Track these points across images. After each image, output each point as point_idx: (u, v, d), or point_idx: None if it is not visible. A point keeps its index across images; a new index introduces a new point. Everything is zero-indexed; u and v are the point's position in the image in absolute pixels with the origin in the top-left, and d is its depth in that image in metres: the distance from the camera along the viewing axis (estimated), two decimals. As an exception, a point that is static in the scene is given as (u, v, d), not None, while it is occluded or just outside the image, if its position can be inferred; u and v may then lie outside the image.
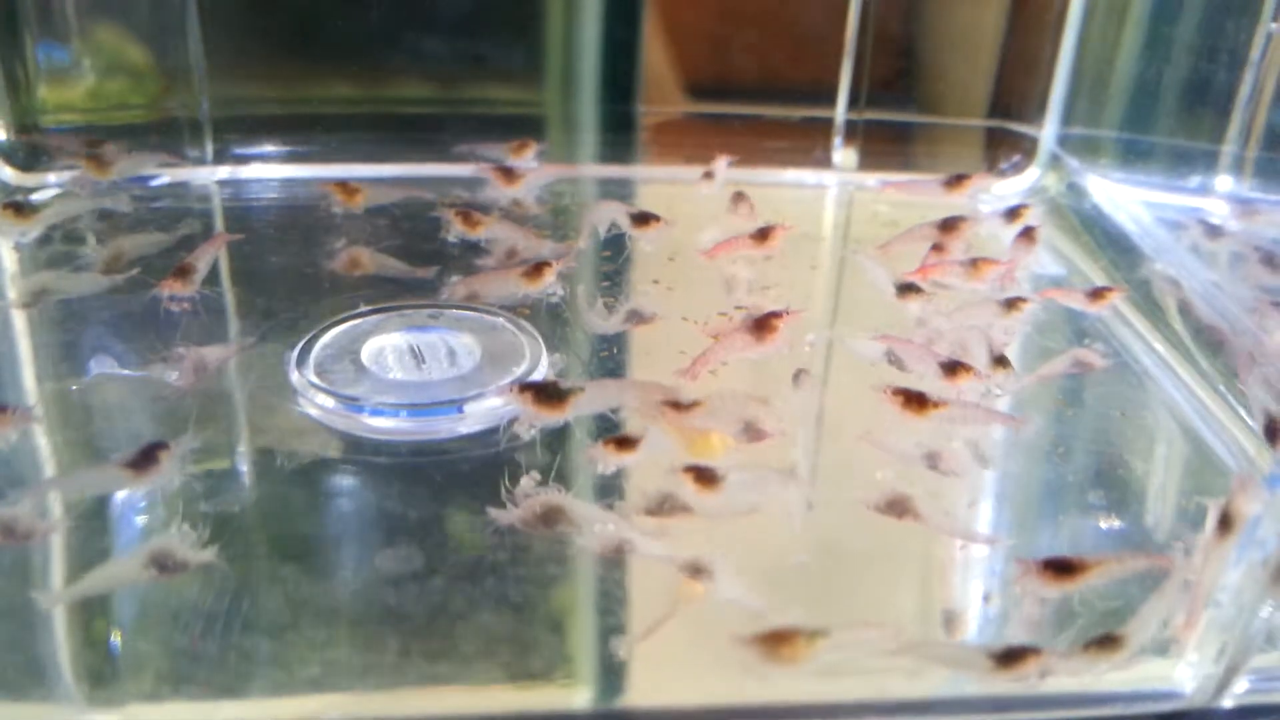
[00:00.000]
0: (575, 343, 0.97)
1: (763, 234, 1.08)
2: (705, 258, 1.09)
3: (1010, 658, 0.64)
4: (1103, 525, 0.81)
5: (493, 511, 0.76)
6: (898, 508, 0.79)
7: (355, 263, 1.07)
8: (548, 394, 0.84)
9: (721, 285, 1.07)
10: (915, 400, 0.85)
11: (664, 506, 0.78)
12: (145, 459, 0.77)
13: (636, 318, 1.00)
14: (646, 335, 0.99)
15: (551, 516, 0.77)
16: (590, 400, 0.85)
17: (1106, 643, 0.65)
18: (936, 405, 0.85)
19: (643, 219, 1.09)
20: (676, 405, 0.83)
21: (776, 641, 0.63)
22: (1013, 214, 1.16)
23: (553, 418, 0.84)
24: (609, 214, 1.11)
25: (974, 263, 1.05)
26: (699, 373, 0.91)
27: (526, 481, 0.79)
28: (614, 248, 1.11)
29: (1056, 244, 1.19)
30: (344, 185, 1.17)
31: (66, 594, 0.71)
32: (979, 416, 0.86)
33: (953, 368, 0.88)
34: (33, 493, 0.76)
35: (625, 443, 0.80)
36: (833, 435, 0.88)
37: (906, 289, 1.01)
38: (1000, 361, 0.91)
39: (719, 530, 0.79)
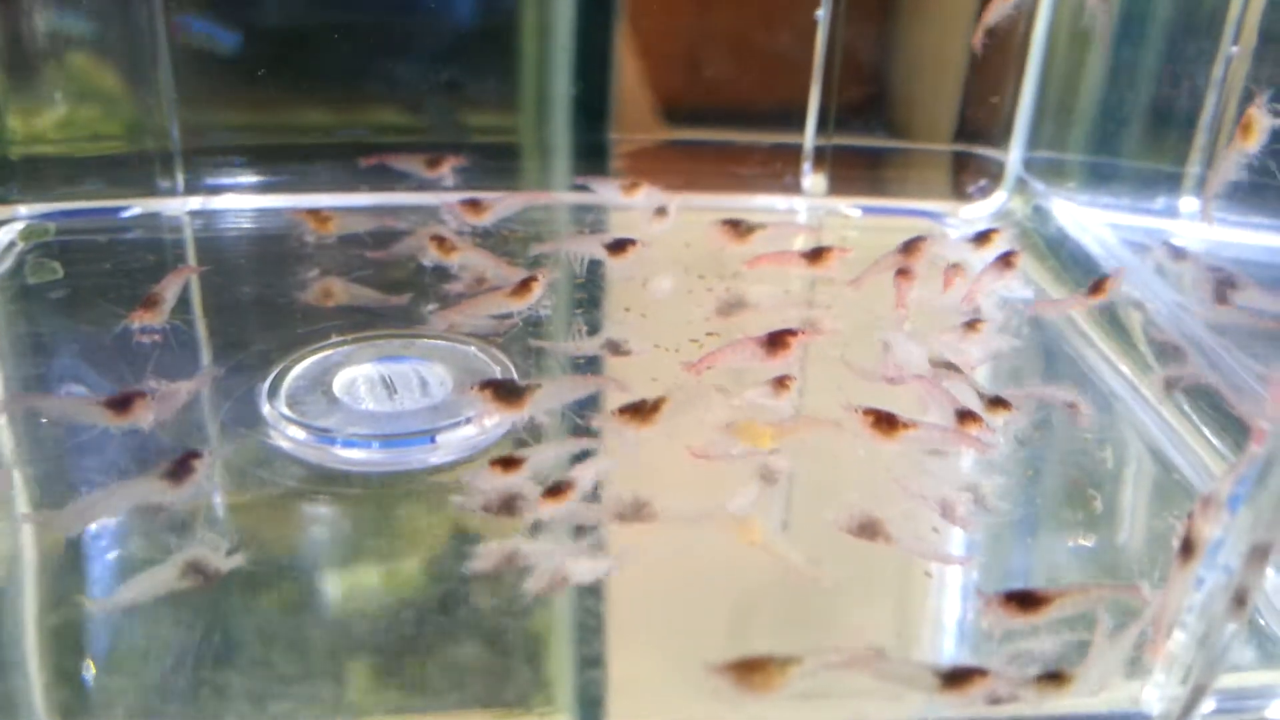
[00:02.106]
0: (548, 370, 0.98)
1: (816, 254, 1.11)
2: (747, 267, 1.12)
3: (957, 678, 0.65)
4: (1070, 546, 0.82)
5: (457, 499, 0.79)
6: (869, 531, 0.79)
7: (328, 293, 1.07)
8: (507, 391, 0.86)
9: (694, 311, 1.07)
10: (885, 421, 0.86)
11: (638, 513, 0.79)
12: (181, 469, 0.79)
13: (612, 348, 1.01)
14: (619, 361, 0.99)
15: (512, 503, 0.79)
16: (548, 396, 0.88)
17: (1055, 679, 0.65)
18: (905, 427, 0.85)
19: (618, 246, 1.10)
20: (637, 411, 0.86)
21: (749, 669, 0.63)
22: (982, 238, 1.17)
23: (513, 414, 0.86)
24: (583, 248, 1.12)
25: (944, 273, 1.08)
26: (703, 369, 0.94)
27: (483, 473, 0.81)
28: (587, 275, 1.12)
29: (1023, 267, 1.20)
30: (316, 213, 1.17)
31: (109, 602, 0.72)
32: (945, 439, 0.86)
33: (964, 416, 0.88)
34: (71, 511, 0.77)
35: (510, 463, 0.81)
36: (810, 455, 0.89)
37: (946, 366, 0.96)
38: (997, 403, 0.91)
39: (694, 545, 0.80)
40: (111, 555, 0.76)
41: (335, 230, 1.16)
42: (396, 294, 1.06)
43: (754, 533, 0.80)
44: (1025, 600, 0.69)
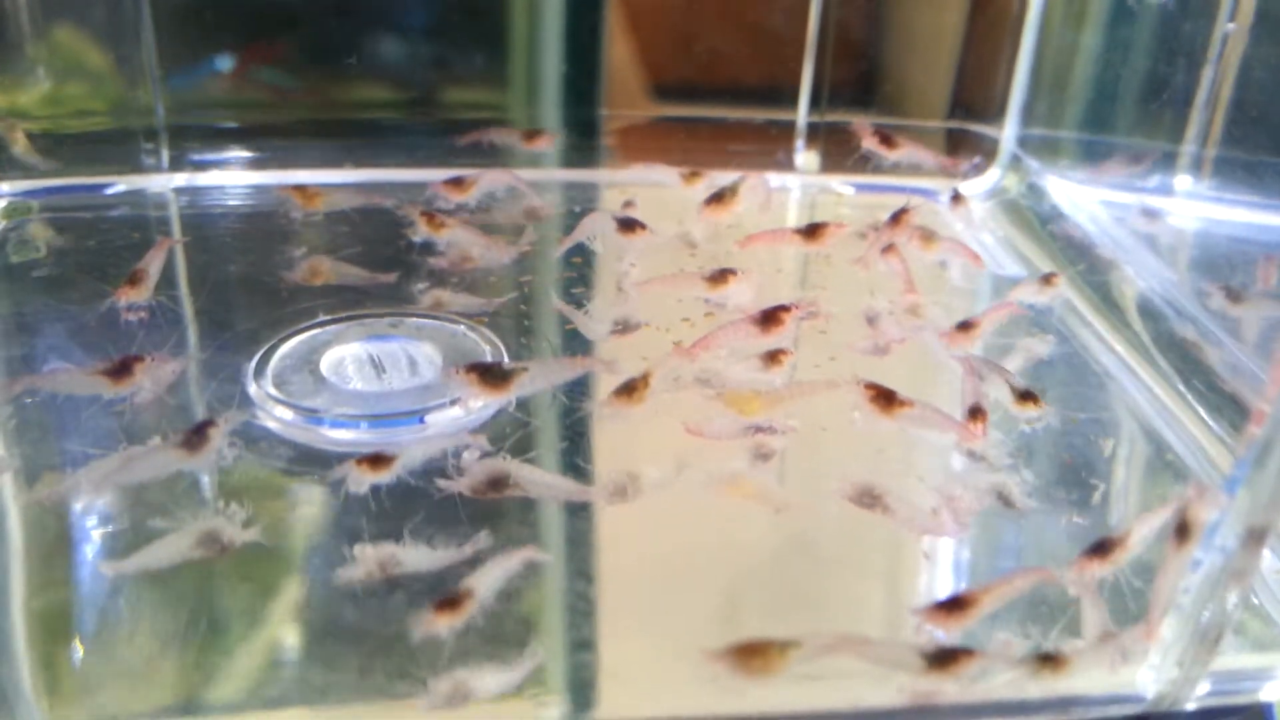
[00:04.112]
0: (537, 349, 0.97)
1: (811, 231, 1.09)
2: (739, 246, 1.10)
3: (943, 659, 0.64)
4: (1063, 525, 0.81)
5: (441, 481, 0.78)
6: (867, 499, 0.80)
7: (315, 272, 1.06)
8: (492, 375, 0.85)
9: (686, 289, 1.06)
10: (884, 397, 0.86)
11: (628, 491, 0.79)
12: (197, 438, 0.79)
13: (622, 327, 1.00)
14: (609, 341, 0.98)
15: (498, 481, 0.78)
16: (534, 379, 0.87)
17: (1049, 660, 0.65)
18: (903, 405, 0.85)
19: (628, 226, 1.08)
20: (628, 390, 0.86)
21: (749, 653, 0.63)
22: (955, 199, 1.22)
23: (498, 398, 0.86)
24: (599, 225, 1.10)
25: (925, 237, 1.09)
26: (697, 354, 0.92)
27: (469, 453, 0.81)
28: (580, 254, 1.11)
29: (1017, 244, 1.20)
30: (302, 189, 1.16)
31: (124, 565, 0.72)
32: (937, 421, 0.86)
33: (975, 412, 0.87)
34: (82, 481, 0.77)
35: (379, 461, 0.79)
36: (805, 434, 0.88)
37: (1025, 397, 0.91)
38: (1026, 396, 0.90)
39: (690, 526, 0.80)
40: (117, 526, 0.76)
41: (322, 206, 1.15)
42: (384, 272, 1.05)
43: (745, 487, 0.81)
44: (955, 605, 0.69)
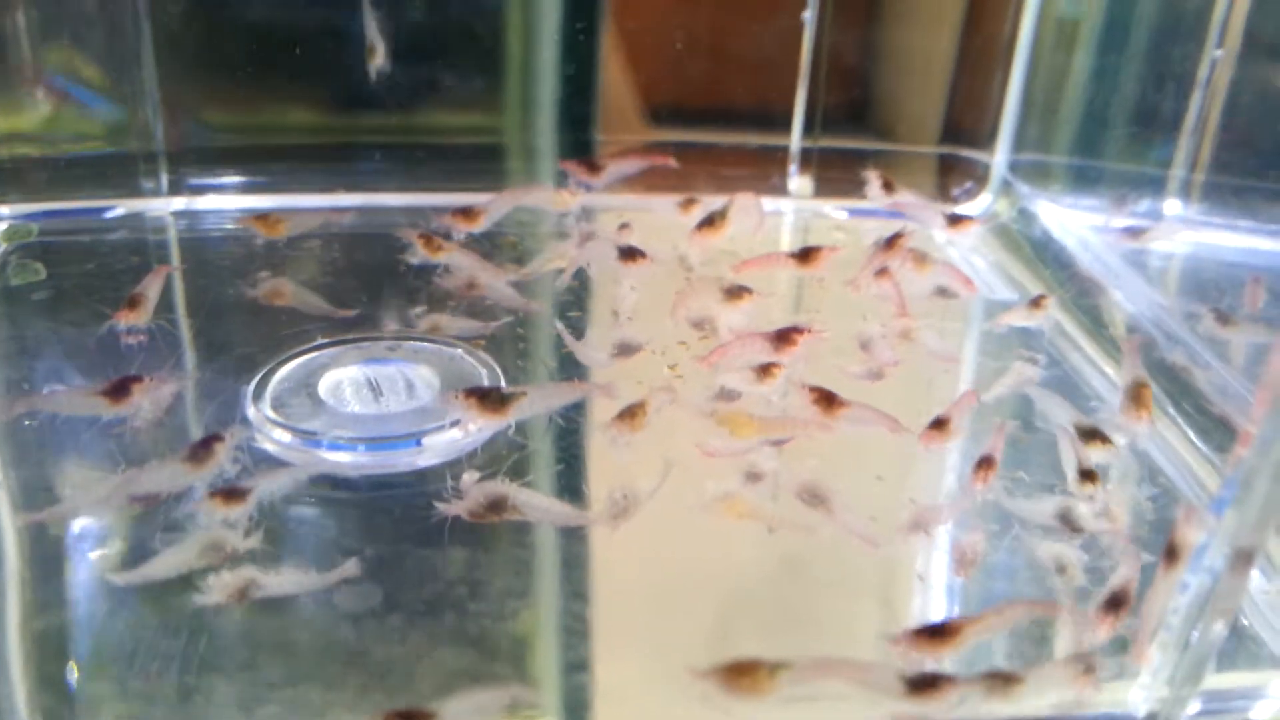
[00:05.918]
0: (535, 373, 0.97)
1: (805, 255, 1.10)
2: (734, 271, 1.11)
3: (923, 685, 0.64)
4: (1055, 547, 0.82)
5: (439, 505, 0.78)
6: (812, 498, 0.82)
7: (278, 293, 1.06)
8: (491, 399, 0.86)
9: (681, 313, 1.07)
10: (825, 399, 0.88)
11: (626, 508, 0.80)
12: (203, 451, 0.80)
13: (624, 349, 1.01)
14: (606, 364, 0.99)
15: (497, 505, 0.79)
16: (533, 404, 0.87)
17: (1001, 679, 0.65)
18: (842, 405, 0.88)
19: (629, 254, 1.08)
20: (629, 414, 0.86)
21: (738, 673, 0.63)
22: (955, 221, 1.23)
23: (496, 422, 0.86)
24: (599, 252, 1.10)
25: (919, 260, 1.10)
26: (714, 362, 0.95)
27: (468, 476, 0.81)
28: (577, 277, 1.11)
29: (1008, 269, 1.21)
30: (264, 218, 1.15)
31: (133, 576, 0.73)
32: (875, 419, 0.88)
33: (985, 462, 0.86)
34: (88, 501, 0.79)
35: (233, 495, 0.78)
36: (801, 455, 0.89)
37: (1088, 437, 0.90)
38: (1088, 476, 0.86)
39: (684, 547, 0.81)
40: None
41: (286, 233, 1.15)
42: (384, 294, 1.06)
43: (739, 507, 0.82)
44: (936, 633, 0.68)
